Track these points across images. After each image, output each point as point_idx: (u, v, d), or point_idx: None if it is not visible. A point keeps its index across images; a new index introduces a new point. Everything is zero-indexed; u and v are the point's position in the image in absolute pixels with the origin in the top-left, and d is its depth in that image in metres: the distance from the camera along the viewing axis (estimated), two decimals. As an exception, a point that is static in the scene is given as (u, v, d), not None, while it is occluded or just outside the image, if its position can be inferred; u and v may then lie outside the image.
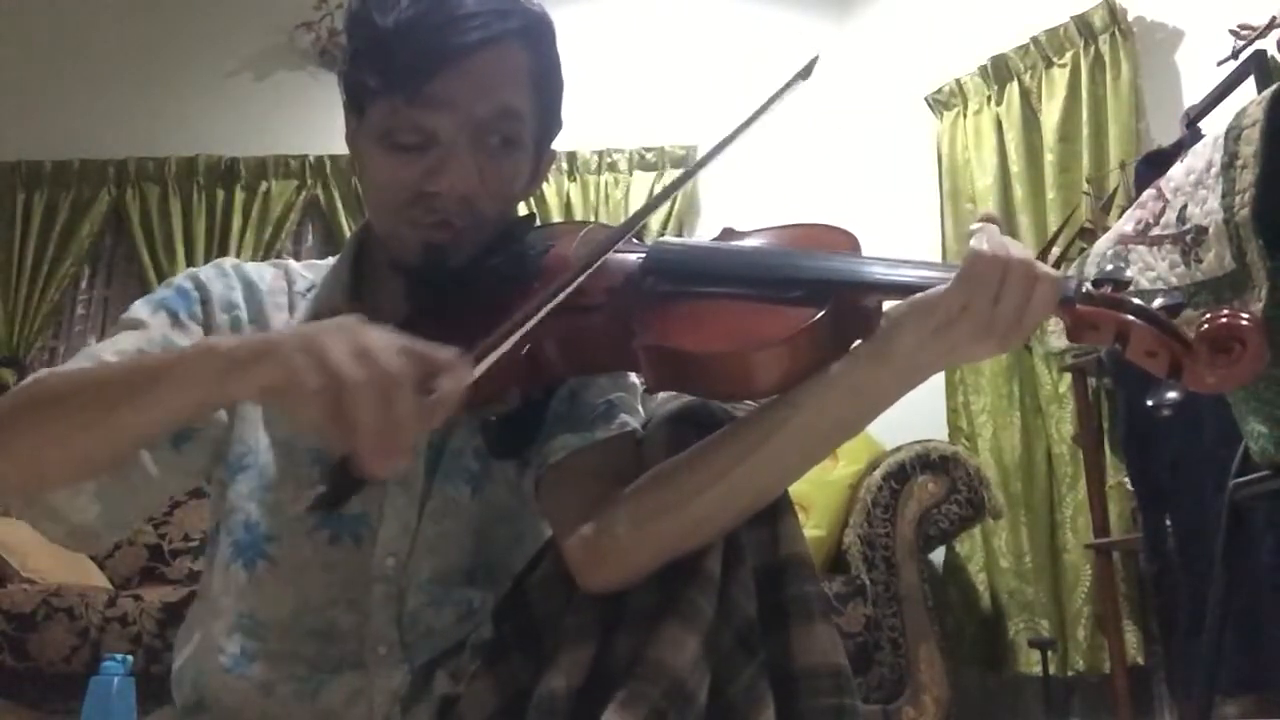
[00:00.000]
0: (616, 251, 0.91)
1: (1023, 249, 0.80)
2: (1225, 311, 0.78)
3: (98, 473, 0.90)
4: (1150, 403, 0.79)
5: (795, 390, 0.84)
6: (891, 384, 0.82)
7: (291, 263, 1.14)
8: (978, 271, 0.78)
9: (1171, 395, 0.77)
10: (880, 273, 0.85)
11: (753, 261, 0.91)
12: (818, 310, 0.82)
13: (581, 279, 0.86)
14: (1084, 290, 0.80)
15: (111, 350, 0.96)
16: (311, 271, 1.12)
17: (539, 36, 0.99)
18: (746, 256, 0.93)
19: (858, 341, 0.84)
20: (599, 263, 0.88)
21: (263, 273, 1.10)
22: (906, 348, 0.80)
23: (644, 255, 0.93)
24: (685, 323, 0.86)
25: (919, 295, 0.80)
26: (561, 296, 0.85)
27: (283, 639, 0.98)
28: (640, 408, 1.03)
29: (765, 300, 0.85)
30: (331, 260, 1.12)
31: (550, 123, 1.05)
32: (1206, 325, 0.78)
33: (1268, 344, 0.77)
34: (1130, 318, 0.79)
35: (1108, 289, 0.80)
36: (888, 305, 0.84)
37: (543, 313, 0.83)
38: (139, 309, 1.02)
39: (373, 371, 0.69)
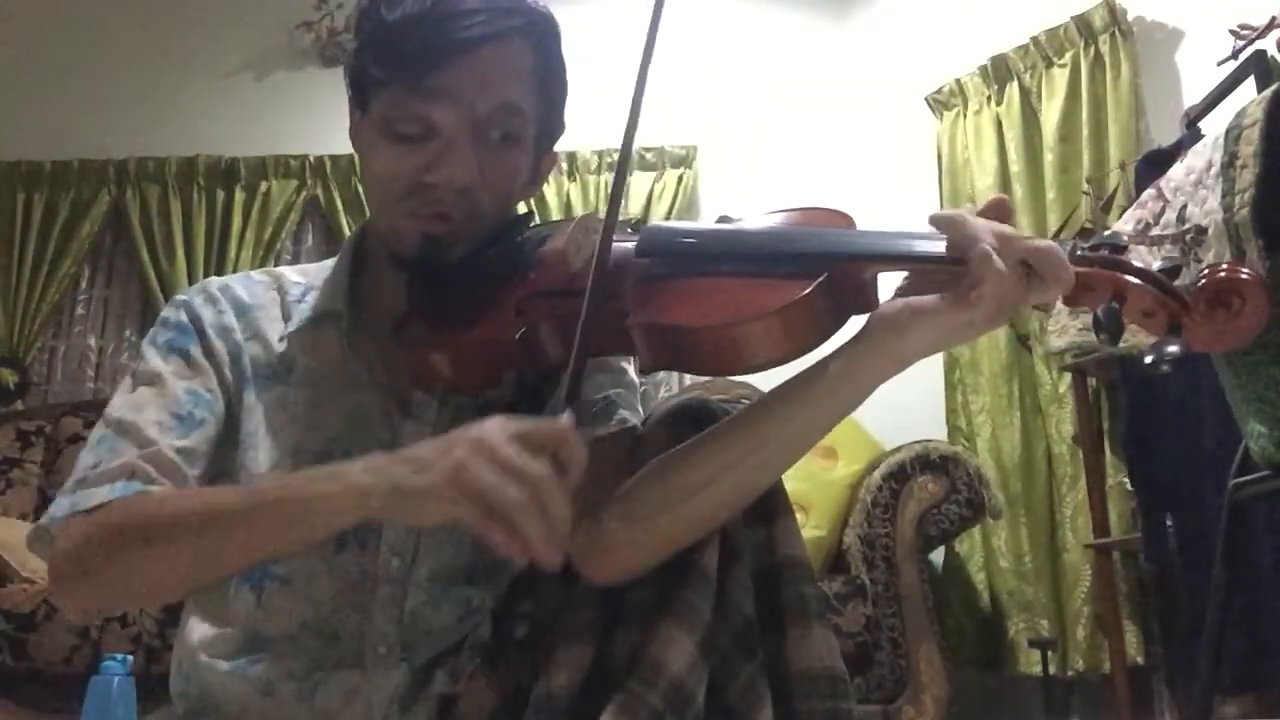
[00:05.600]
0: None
1: (1000, 228, 0.78)
2: (1224, 266, 0.76)
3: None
4: (1149, 359, 0.77)
5: (794, 388, 0.84)
6: (895, 371, 0.82)
7: (282, 270, 1.14)
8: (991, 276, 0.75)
9: (1171, 350, 0.75)
10: (873, 243, 0.84)
11: (745, 239, 0.91)
12: (811, 282, 0.81)
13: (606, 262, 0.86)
14: (1079, 252, 0.78)
15: (146, 419, 0.97)
16: (303, 276, 1.12)
17: (543, 35, 1.00)
18: (739, 235, 0.92)
19: (854, 315, 0.84)
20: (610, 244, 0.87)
21: (252, 287, 1.10)
22: (915, 347, 0.80)
23: (638, 238, 0.93)
24: (679, 299, 0.86)
25: (925, 302, 0.79)
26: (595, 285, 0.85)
27: (287, 643, 0.98)
28: (639, 405, 1.03)
29: (759, 276, 0.85)
30: (326, 262, 1.13)
31: (552, 123, 1.06)
32: (1205, 280, 0.75)
33: (1269, 300, 0.75)
34: (1127, 277, 0.77)
35: (1104, 252, 0.78)
36: (890, 300, 0.83)
37: (588, 315, 0.84)
38: (151, 358, 1.02)
39: (527, 487, 0.72)
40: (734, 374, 0.85)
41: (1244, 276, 0.75)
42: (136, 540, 0.88)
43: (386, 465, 0.79)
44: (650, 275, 0.89)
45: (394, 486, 0.77)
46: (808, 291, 0.81)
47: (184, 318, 1.05)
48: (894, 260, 0.83)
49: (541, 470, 0.72)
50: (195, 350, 1.03)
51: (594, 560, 0.86)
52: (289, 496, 0.83)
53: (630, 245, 0.93)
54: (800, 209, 0.95)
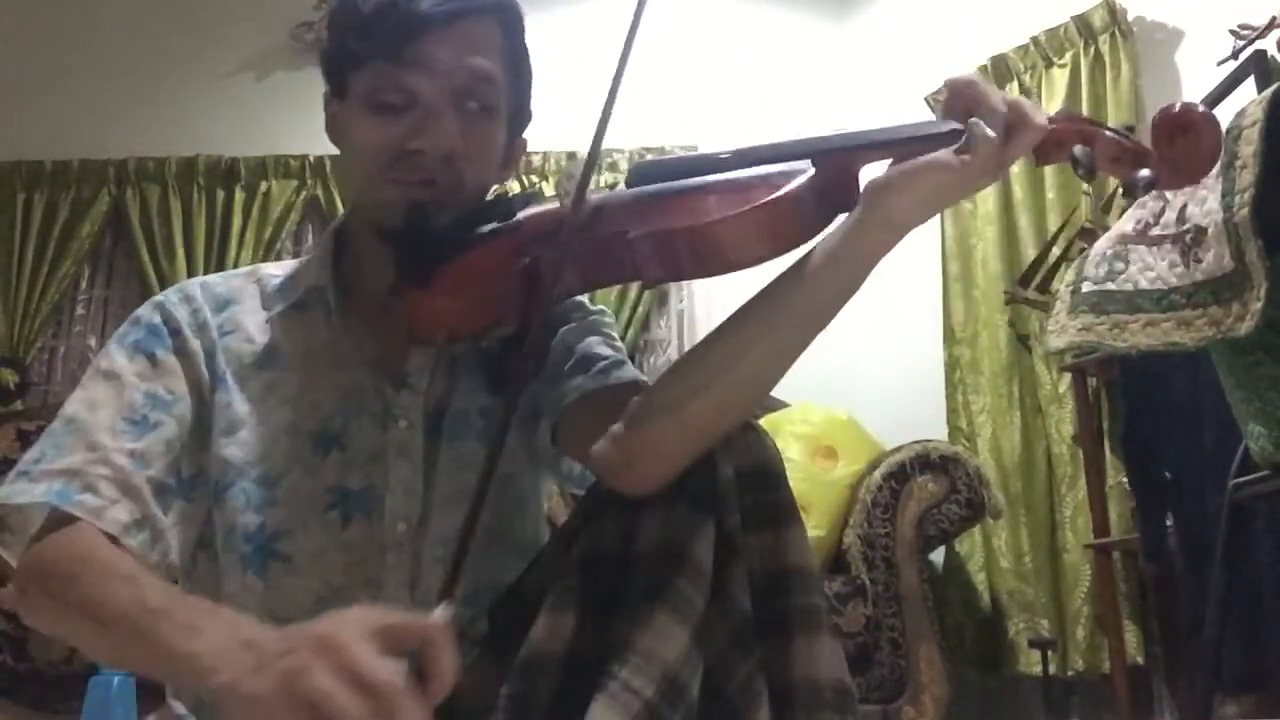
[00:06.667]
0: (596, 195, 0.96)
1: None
2: (1176, 104, 0.86)
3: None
4: (1124, 188, 0.86)
5: (797, 267, 0.87)
6: (891, 241, 0.85)
7: (260, 265, 1.17)
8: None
9: (1144, 175, 0.84)
10: (856, 135, 0.90)
11: (735, 152, 0.96)
12: (799, 176, 0.87)
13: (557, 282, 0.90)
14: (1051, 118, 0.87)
15: (99, 420, 0.97)
16: (282, 269, 1.14)
17: (511, 20, 1.06)
18: (728, 152, 0.97)
19: (841, 215, 0.88)
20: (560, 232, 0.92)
21: (230, 281, 1.13)
22: (907, 204, 0.83)
23: (628, 174, 0.99)
24: (674, 208, 0.91)
25: (913, 162, 0.83)
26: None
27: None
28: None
29: (750, 183, 0.90)
30: (303, 256, 1.15)
31: (522, 105, 1.10)
32: (1159, 119, 0.85)
33: (1219, 129, 0.84)
34: (1093, 128, 0.85)
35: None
36: (875, 171, 0.88)
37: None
38: (115, 354, 1.03)
39: (370, 699, 0.63)
40: (729, 270, 0.88)
41: (1193, 107, 0.85)
42: (58, 586, 0.88)
43: (238, 652, 0.71)
44: (645, 195, 0.94)
45: (230, 684, 0.69)
46: (796, 184, 0.86)
47: (157, 319, 1.06)
48: (877, 147, 0.89)
49: (391, 680, 0.64)
50: (162, 352, 1.03)
51: (626, 464, 0.87)
52: (154, 636, 0.78)
53: (621, 186, 0.98)
54: None
